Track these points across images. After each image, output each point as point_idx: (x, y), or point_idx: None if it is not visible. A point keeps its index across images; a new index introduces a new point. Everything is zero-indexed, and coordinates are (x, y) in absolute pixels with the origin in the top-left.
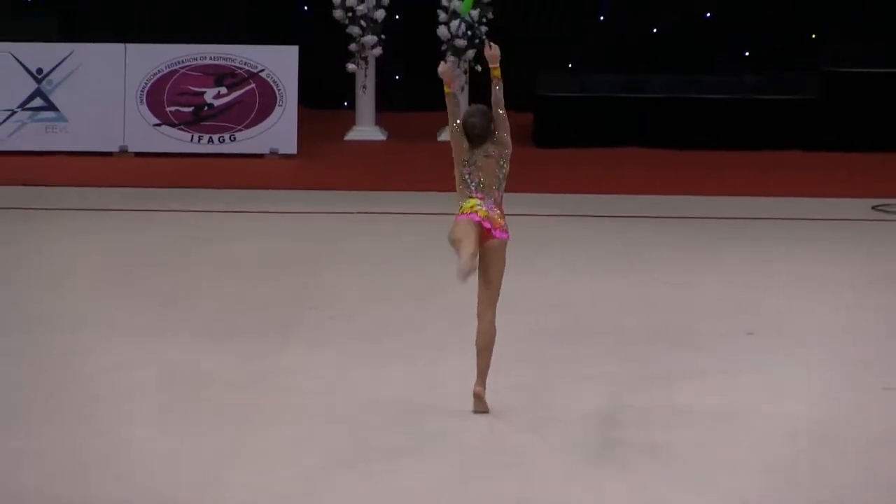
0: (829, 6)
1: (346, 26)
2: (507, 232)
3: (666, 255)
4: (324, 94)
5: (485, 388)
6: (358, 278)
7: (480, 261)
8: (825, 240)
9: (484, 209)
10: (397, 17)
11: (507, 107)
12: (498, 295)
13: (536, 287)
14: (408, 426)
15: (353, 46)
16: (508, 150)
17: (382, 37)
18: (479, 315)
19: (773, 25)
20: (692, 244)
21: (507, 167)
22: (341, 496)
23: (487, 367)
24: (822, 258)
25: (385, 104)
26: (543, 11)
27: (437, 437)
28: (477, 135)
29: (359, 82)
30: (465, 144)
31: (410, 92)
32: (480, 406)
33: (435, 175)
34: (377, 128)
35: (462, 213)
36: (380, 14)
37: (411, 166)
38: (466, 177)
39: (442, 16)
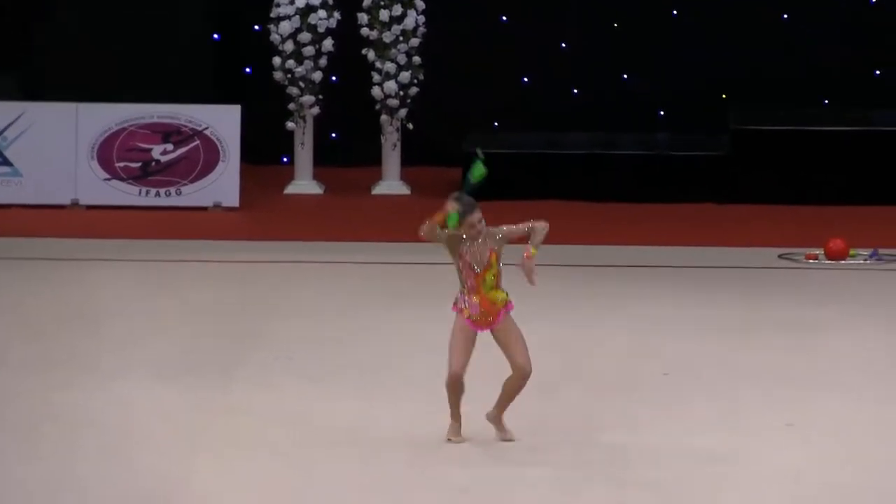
0: (737, 70)
1: (286, 87)
2: (505, 309)
3: (584, 301)
4: (264, 150)
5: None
6: (299, 322)
7: (496, 339)
8: (735, 286)
9: (468, 309)
10: (334, 78)
11: (437, 163)
12: (523, 343)
13: None
14: (348, 459)
15: (292, 106)
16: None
17: (320, 97)
18: (523, 363)
19: (685, 87)
20: (610, 291)
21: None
22: None
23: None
24: (732, 304)
25: (322, 160)
26: (472, 73)
27: (378, 468)
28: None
29: (297, 139)
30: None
31: (346, 148)
32: (502, 432)
33: (369, 226)
34: (315, 182)
35: (456, 307)
36: (317, 76)
37: (347, 218)
38: (461, 273)
39: (376, 77)
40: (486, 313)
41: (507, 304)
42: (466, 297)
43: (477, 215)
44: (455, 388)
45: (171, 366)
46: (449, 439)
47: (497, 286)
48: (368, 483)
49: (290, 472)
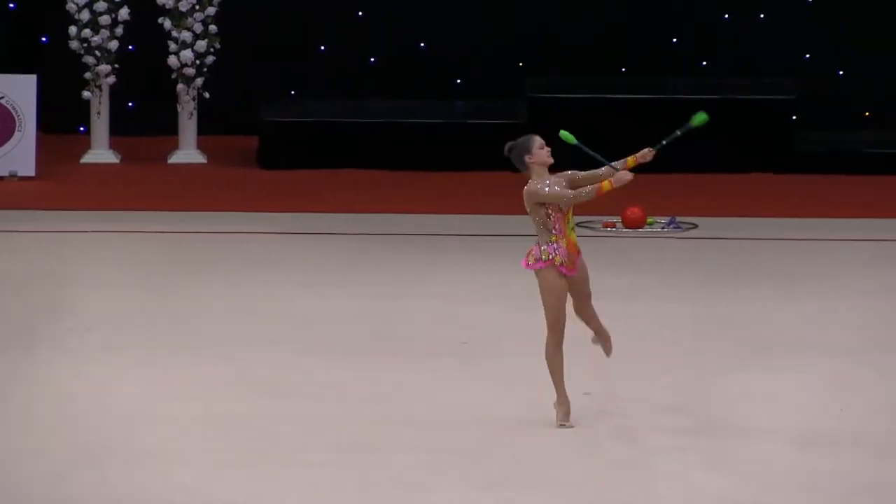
0: (535, 37)
1: (82, 56)
2: (579, 254)
3: (384, 269)
4: (61, 119)
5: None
6: (96, 292)
7: (570, 286)
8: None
9: (559, 255)
10: (130, 47)
11: (233, 131)
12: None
13: (266, 299)
14: (145, 431)
15: (88, 75)
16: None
17: (116, 66)
18: (583, 313)
19: (483, 55)
20: (411, 259)
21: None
22: (84, 496)
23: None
24: (529, 272)
25: (119, 129)
26: (268, 42)
27: (174, 440)
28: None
29: (94, 109)
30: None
31: (142, 118)
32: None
33: (165, 195)
34: (111, 151)
35: (547, 261)
36: (113, 45)
37: (144, 187)
38: (550, 218)
39: (172, 46)
40: (571, 255)
41: (579, 254)
42: (556, 244)
43: (540, 141)
44: (555, 355)
45: None
46: (561, 424)
47: (573, 226)
48: (167, 454)
49: (88, 443)
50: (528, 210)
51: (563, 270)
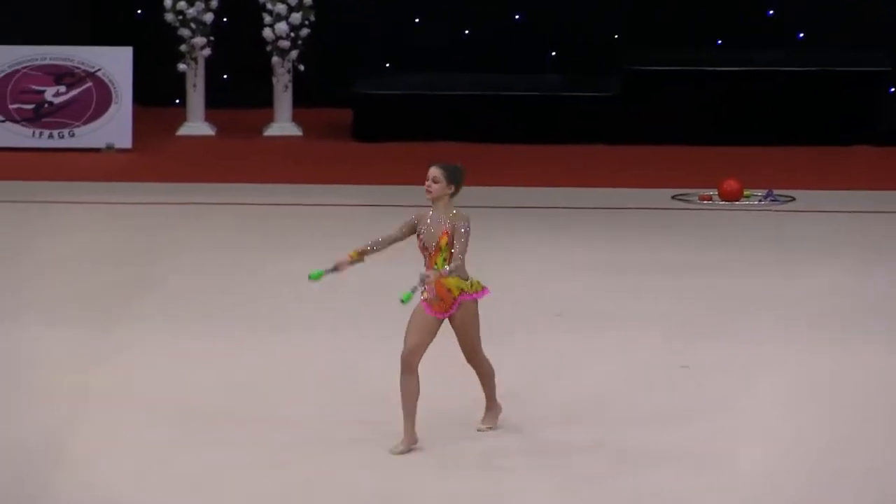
0: (629, 9)
1: (177, 28)
2: (462, 298)
3: (479, 242)
4: (157, 92)
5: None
6: (189, 264)
7: (451, 324)
8: (628, 227)
9: (428, 293)
10: (225, 19)
11: (328, 103)
12: (478, 343)
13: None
14: (228, 411)
15: (183, 47)
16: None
17: (211, 38)
18: (471, 363)
19: (577, 27)
20: (500, 233)
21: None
22: (175, 473)
23: (492, 392)
24: (625, 246)
25: (214, 102)
26: (363, 14)
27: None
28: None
29: (189, 81)
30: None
31: (237, 90)
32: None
33: (260, 168)
34: (207, 124)
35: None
36: (208, 17)
37: (238, 160)
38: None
39: (267, 18)
40: (441, 298)
41: (464, 293)
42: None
43: (436, 173)
44: (406, 381)
45: (60, 308)
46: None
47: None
48: (250, 444)
49: (169, 418)
50: (448, 234)
51: (425, 306)
